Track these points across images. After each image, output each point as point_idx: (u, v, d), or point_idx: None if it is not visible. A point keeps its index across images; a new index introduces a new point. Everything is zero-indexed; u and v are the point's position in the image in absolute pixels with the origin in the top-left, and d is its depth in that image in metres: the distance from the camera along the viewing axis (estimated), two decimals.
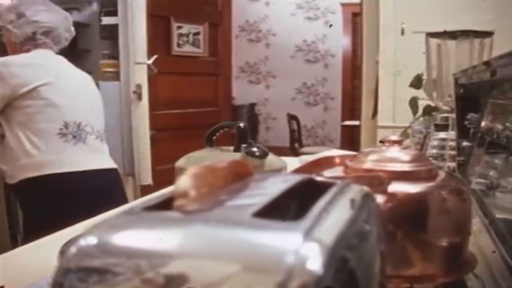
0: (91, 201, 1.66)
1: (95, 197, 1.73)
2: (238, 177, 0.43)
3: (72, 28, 1.97)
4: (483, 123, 1.00)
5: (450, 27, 1.53)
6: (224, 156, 1.11)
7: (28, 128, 1.70)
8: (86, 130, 1.80)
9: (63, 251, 0.32)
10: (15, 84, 1.68)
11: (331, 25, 6.90)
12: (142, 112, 2.92)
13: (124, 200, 1.93)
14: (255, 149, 1.08)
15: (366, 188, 0.44)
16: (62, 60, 1.92)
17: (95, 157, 1.83)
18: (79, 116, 1.79)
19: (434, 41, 1.56)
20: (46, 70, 1.77)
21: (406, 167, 0.62)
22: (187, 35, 3.60)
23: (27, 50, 1.83)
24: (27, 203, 1.77)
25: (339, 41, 6.96)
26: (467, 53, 1.48)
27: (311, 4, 7.02)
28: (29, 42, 1.83)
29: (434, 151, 1.29)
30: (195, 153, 1.16)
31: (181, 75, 3.56)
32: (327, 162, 0.72)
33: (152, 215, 0.34)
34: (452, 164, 1.23)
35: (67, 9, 2.04)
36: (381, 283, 0.41)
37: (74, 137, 1.76)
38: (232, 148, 1.15)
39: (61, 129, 1.74)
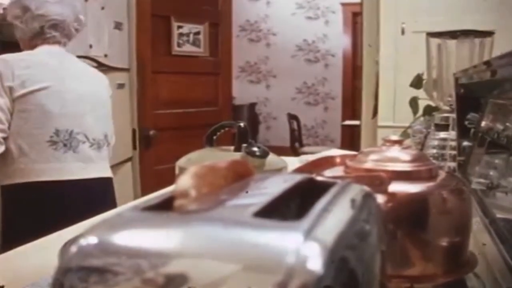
0: (76, 211, 1.59)
1: (81, 206, 1.65)
2: (239, 177, 0.43)
3: (82, 17, 1.88)
4: (483, 123, 1.00)
5: (450, 27, 1.53)
6: (224, 156, 1.11)
7: (19, 134, 1.63)
8: (78, 138, 1.72)
9: (63, 251, 0.32)
10: (13, 86, 1.61)
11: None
12: None
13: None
14: (255, 148, 1.08)
15: (366, 188, 0.44)
16: (70, 59, 1.84)
17: (86, 166, 1.75)
18: (72, 123, 1.71)
19: (434, 41, 1.56)
20: (48, 72, 1.70)
21: (406, 167, 0.62)
22: (187, 34, 3.60)
23: (34, 46, 1.77)
24: (10, 209, 1.70)
25: (339, 41, 6.97)
26: (468, 53, 1.48)
27: (311, 4, 7.03)
28: (38, 37, 1.77)
29: (435, 151, 1.29)
30: (195, 153, 1.16)
31: (182, 74, 3.56)
32: (328, 162, 0.72)
33: (153, 215, 0.34)
34: (453, 164, 1.23)
35: None
36: (382, 283, 0.41)
37: (65, 145, 1.69)
38: (232, 147, 1.15)
39: (51, 136, 1.66)
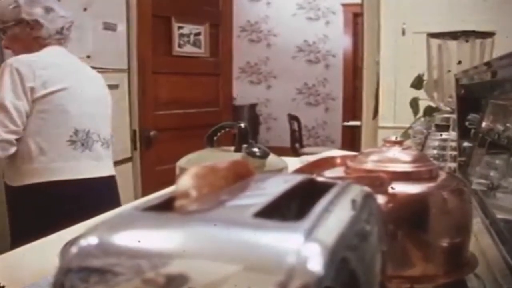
0: (88, 209, 1.63)
1: (92, 205, 1.66)
2: (239, 177, 0.43)
3: None
4: (484, 124, 1.00)
5: (451, 28, 1.53)
6: (225, 156, 1.11)
7: (39, 134, 1.67)
8: (93, 138, 1.79)
9: (64, 251, 0.32)
10: (34, 86, 1.64)
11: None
12: None
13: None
14: (256, 149, 1.08)
15: (367, 189, 0.44)
16: (74, 61, 1.89)
17: (99, 164, 1.82)
18: (88, 123, 1.78)
19: (435, 42, 1.56)
20: (63, 72, 1.75)
21: (407, 168, 0.62)
22: (188, 35, 3.60)
23: (45, 46, 1.79)
24: (23, 208, 1.73)
25: (340, 42, 6.96)
26: (468, 53, 1.47)
27: (312, 5, 7.02)
28: (56, 37, 1.80)
29: (435, 151, 1.29)
30: (196, 153, 1.15)
31: (182, 75, 3.56)
32: (328, 163, 0.72)
33: (153, 215, 0.34)
34: (453, 165, 1.23)
35: None
36: (382, 283, 0.41)
37: (82, 144, 1.75)
38: (233, 148, 1.15)
39: (71, 136, 1.72)
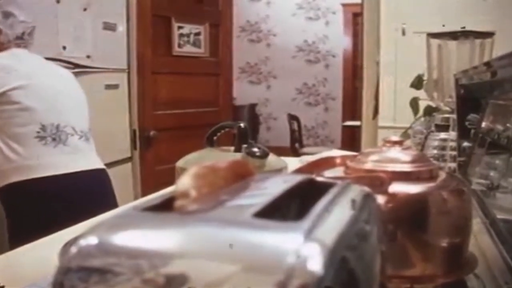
0: (77, 204, 1.63)
1: (81, 199, 1.69)
2: (239, 177, 0.43)
3: None
4: (483, 124, 1.00)
5: (451, 28, 1.53)
6: (224, 156, 1.11)
7: (4, 133, 1.66)
8: (67, 131, 1.76)
9: (63, 251, 0.32)
10: None
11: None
12: None
13: (113, 201, 1.88)
14: (255, 149, 1.08)
15: (366, 189, 0.44)
16: (39, 60, 1.88)
17: (79, 158, 1.79)
18: (58, 117, 1.75)
19: (435, 42, 1.56)
20: (18, 72, 1.72)
21: (406, 168, 0.62)
22: (188, 35, 3.60)
23: (2, 50, 1.78)
24: (12, 208, 1.73)
25: (340, 41, 6.97)
26: (468, 53, 1.48)
27: (312, 4, 7.03)
28: (15, 42, 1.80)
29: (435, 151, 1.29)
30: (195, 153, 1.16)
31: (182, 75, 3.56)
32: (328, 163, 0.72)
33: (153, 215, 0.34)
34: (453, 165, 1.23)
35: None
36: (382, 283, 0.41)
37: (54, 139, 1.72)
38: (232, 148, 1.15)
39: (38, 132, 1.69)
